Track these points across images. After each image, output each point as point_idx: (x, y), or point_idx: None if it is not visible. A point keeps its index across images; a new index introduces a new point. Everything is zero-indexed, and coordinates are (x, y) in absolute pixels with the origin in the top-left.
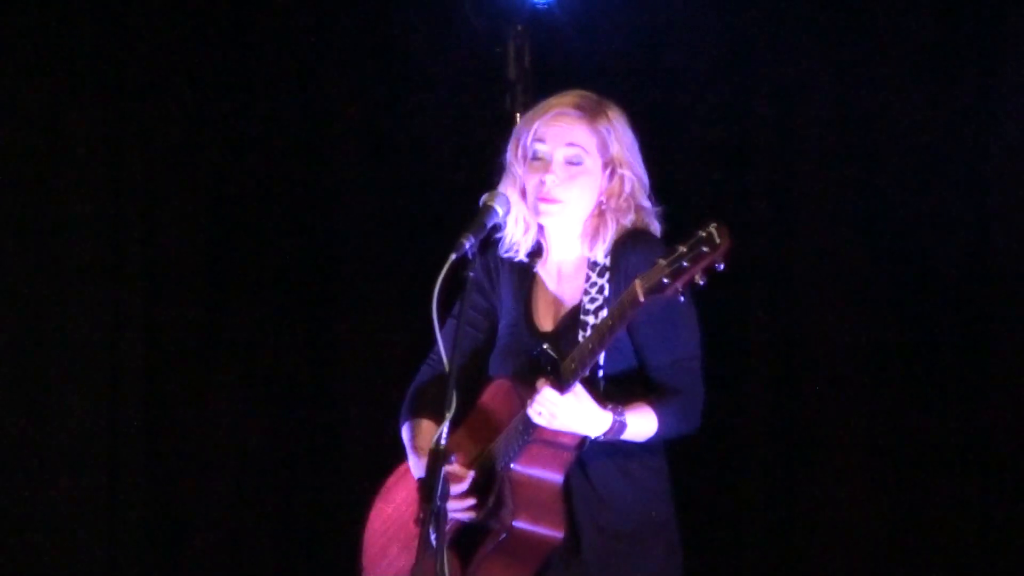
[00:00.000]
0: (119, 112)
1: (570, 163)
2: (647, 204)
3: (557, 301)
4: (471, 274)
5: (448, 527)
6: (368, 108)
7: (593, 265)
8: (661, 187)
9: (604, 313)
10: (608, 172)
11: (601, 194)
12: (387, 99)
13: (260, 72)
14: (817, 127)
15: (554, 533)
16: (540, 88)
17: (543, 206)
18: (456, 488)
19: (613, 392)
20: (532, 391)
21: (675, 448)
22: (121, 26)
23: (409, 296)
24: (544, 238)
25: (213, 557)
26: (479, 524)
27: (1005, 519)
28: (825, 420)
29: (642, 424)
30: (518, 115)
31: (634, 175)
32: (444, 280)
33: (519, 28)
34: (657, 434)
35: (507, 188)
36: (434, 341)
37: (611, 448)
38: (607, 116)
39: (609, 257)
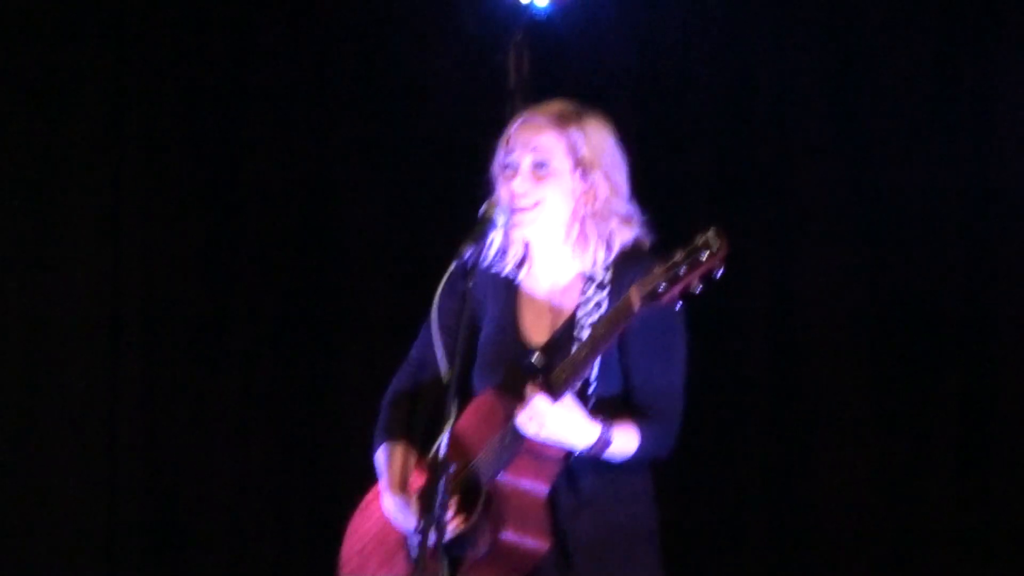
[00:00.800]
0: (119, 117)
1: (536, 166)
2: (625, 211)
3: (547, 314)
4: (470, 284)
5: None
6: (368, 118)
7: (589, 280)
8: (659, 195)
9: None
10: (579, 175)
11: (576, 198)
12: (386, 109)
13: (259, 86)
14: (816, 135)
15: (540, 544)
16: (539, 97)
17: (516, 215)
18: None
19: (602, 411)
20: (518, 403)
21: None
22: (118, 43)
23: (409, 305)
24: (530, 253)
25: (212, 570)
26: (465, 536)
27: (1006, 515)
28: (823, 422)
29: (625, 442)
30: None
31: (607, 179)
32: (443, 289)
33: (518, 37)
34: (634, 455)
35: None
36: (414, 346)
37: (598, 460)
38: (579, 121)
39: (609, 273)
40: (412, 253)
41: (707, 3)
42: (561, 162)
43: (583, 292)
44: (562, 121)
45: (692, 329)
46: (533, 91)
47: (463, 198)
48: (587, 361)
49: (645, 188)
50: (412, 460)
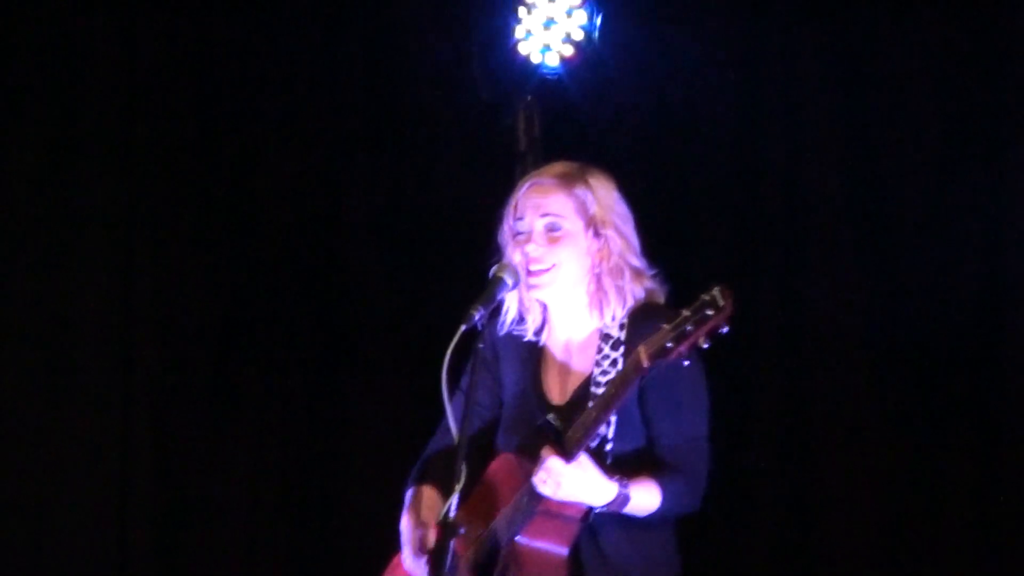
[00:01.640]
0: (130, 156)
1: (549, 230)
2: (638, 264)
3: (567, 373)
4: (480, 345)
5: None
6: (379, 179)
7: (606, 337)
8: (668, 250)
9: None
10: (591, 233)
11: (591, 256)
12: (398, 172)
13: (271, 146)
14: (826, 189)
15: None
16: (549, 157)
17: (532, 279)
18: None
19: (620, 468)
20: (537, 463)
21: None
22: (129, 52)
23: (419, 364)
24: (548, 314)
25: None
26: None
27: (1014, 525)
28: (832, 429)
29: (646, 498)
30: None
31: (619, 235)
32: (454, 351)
33: (528, 99)
34: (659, 511)
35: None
36: (443, 413)
37: (622, 518)
38: (585, 180)
39: (624, 331)
40: (423, 315)
41: (717, 61)
42: (573, 223)
43: (599, 351)
44: (569, 181)
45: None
46: (544, 152)
47: (473, 260)
48: (599, 421)
49: (657, 244)
50: (435, 500)
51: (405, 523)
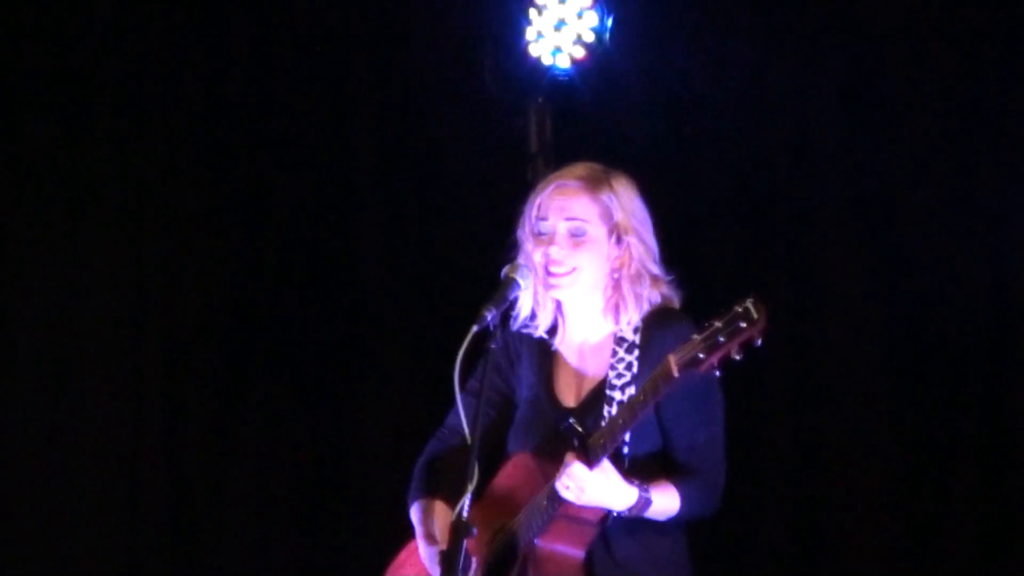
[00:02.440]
0: (139, 148)
1: (573, 234)
2: (657, 271)
3: (580, 376)
4: (492, 346)
5: None
6: (390, 182)
7: (620, 341)
8: (680, 253)
9: (632, 390)
10: (614, 240)
11: (611, 262)
12: (409, 174)
13: (282, 142)
14: (836, 194)
15: None
16: (561, 159)
17: (552, 279)
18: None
19: (637, 471)
20: (556, 466)
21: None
22: (139, 59)
23: (430, 363)
24: (562, 315)
25: None
26: None
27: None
28: (842, 433)
29: (666, 502)
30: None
31: (641, 242)
32: (466, 352)
33: (540, 100)
34: (679, 514)
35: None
36: (445, 414)
37: (634, 524)
38: (610, 184)
39: (639, 334)
40: (434, 317)
41: (728, 63)
42: (597, 228)
43: (614, 354)
44: (594, 185)
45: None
46: (555, 153)
47: (485, 260)
48: (625, 427)
49: (666, 244)
50: (446, 515)
51: (423, 546)
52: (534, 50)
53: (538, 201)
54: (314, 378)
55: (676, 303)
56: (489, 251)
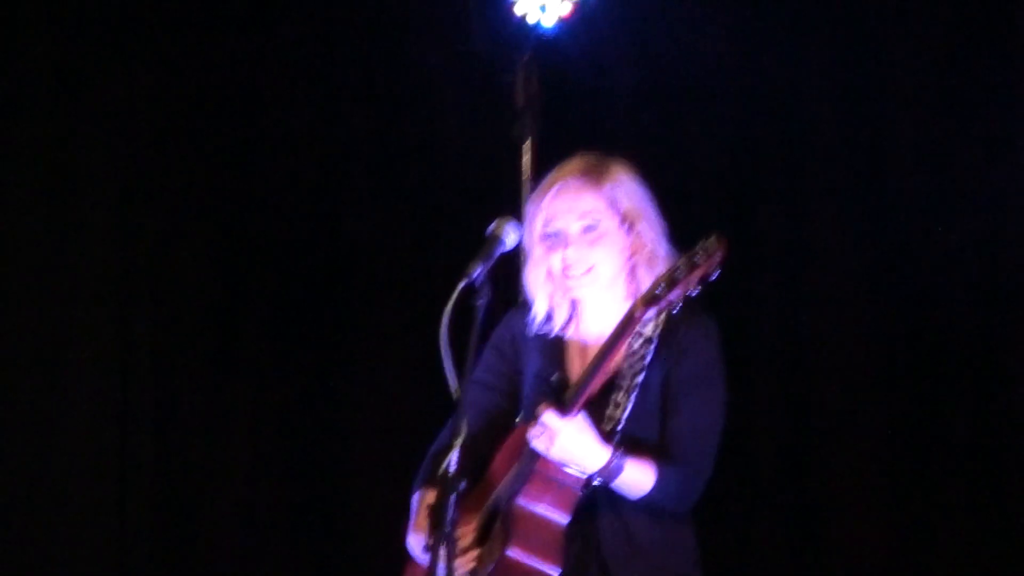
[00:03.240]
0: (128, 125)
1: (586, 231)
2: (668, 250)
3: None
4: (480, 301)
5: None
6: (377, 140)
7: (636, 335)
8: (667, 208)
9: (639, 377)
10: (626, 228)
11: (626, 250)
12: (396, 132)
13: (270, 107)
14: (824, 149)
15: (548, 568)
16: (548, 115)
17: (571, 282)
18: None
19: (623, 445)
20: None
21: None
22: (127, 49)
23: (420, 325)
24: (578, 308)
25: None
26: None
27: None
28: (835, 427)
29: (639, 476)
30: (527, 143)
31: (650, 226)
32: (453, 308)
33: (526, 57)
34: (649, 494)
35: (531, 273)
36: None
37: (650, 508)
38: (611, 173)
39: (658, 331)
40: (421, 273)
41: (714, 20)
42: (608, 221)
43: (629, 347)
44: (595, 178)
45: None
46: (541, 110)
47: (473, 218)
48: (593, 374)
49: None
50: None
51: (411, 535)
52: (520, 7)
53: (542, 206)
54: (303, 339)
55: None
56: (476, 208)
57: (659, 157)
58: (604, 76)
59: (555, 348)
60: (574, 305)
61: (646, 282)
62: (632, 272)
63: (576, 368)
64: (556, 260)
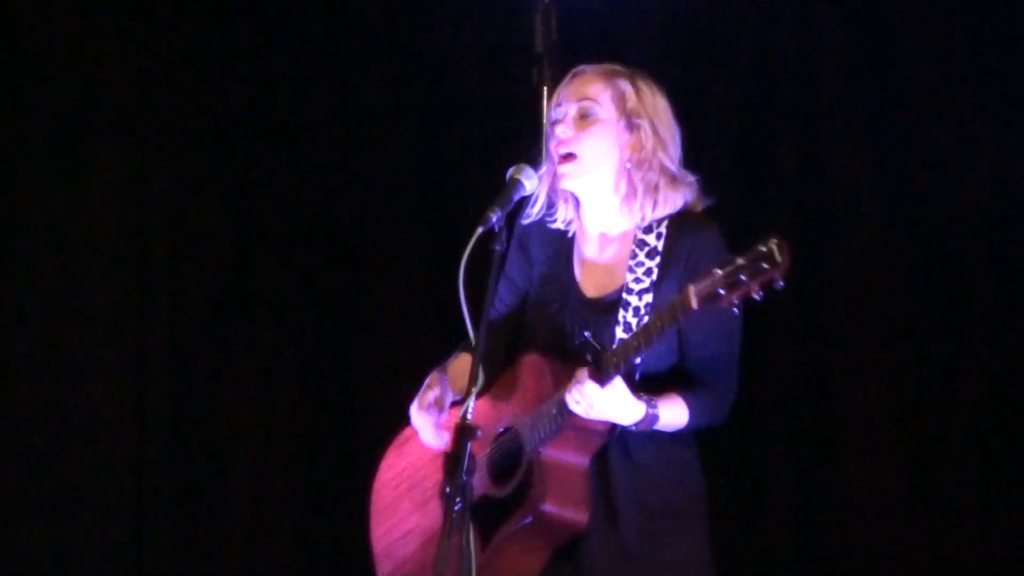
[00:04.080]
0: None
1: (582, 115)
2: (674, 169)
3: (599, 268)
4: (498, 247)
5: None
6: (395, 86)
7: (641, 244)
8: (686, 150)
9: (650, 297)
10: (624, 123)
11: (621, 148)
12: (414, 77)
13: (285, 59)
14: (841, 102)
15: (579, 518)
16: (567, 61)
17: (561, 167)
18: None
19: (647, 384)
20: (567, 370)
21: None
22: (142, 46)
23: (438, 269)
24: (578, 211)
25: (238, 549)
26: (501, 501)
27: None
28: (851, 411)
29: (674, 415)
30: (545, 88)
31: (655, 132)
32: (471, 253)
33: (546, 1)
34: (687, 425)
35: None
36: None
37: (652, 432)
38: (630, 76)
39: (662, 241)
40: (440, 221)
41: None
42: (607, 111)
43: (634, 256)
44: (613, 74)
45: None
46: (561, 55)
47: (492, 164)
48: (639, 351)
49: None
50: (452, 388)
51: (413, 409)
52: None
53: (557, 90)
54: (318, 284)
55: (700, 207)
56: (495, 152)
57: (679, 103)
58: (625, 20)
59: (561, 244)
60: (577, 208)
61: (639, 188)
62: (628, 175)
63: (584, 271)
64: (553, 142)
